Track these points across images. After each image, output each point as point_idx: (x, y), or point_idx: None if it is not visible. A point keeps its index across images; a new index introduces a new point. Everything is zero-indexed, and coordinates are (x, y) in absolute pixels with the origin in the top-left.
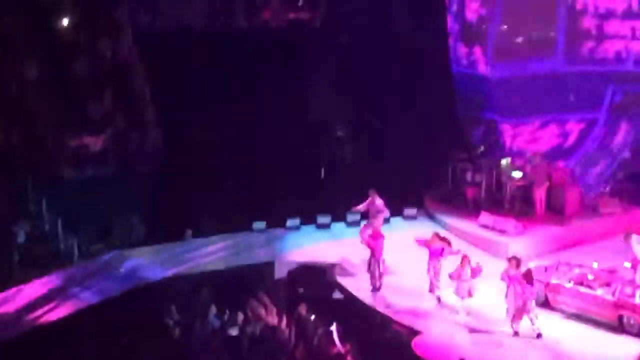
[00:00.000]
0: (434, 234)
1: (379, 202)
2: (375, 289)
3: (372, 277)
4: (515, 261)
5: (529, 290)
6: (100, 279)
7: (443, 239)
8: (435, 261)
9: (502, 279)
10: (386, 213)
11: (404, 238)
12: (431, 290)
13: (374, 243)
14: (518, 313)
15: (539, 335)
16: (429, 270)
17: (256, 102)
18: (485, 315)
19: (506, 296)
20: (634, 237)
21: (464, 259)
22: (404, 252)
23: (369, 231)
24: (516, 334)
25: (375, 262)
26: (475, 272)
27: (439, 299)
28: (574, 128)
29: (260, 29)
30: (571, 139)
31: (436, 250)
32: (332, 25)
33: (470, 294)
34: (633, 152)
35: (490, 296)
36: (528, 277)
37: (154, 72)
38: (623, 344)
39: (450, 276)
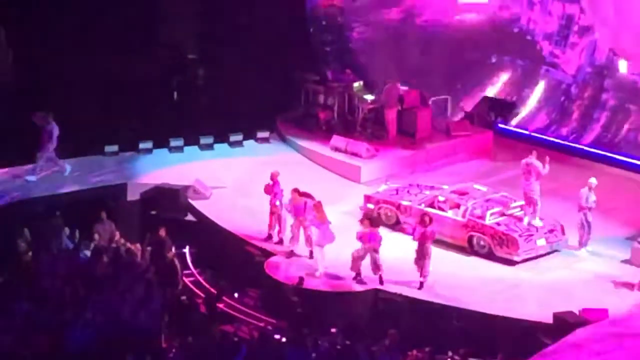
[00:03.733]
0: (292, 191)
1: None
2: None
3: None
4: (368, 221)
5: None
6: None
7: (304, 194)
8: (300, 218)
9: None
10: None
11: (256, 162)
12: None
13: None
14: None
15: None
16: (295, 227)
17: (108, 23)
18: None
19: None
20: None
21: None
22: (255, 175)
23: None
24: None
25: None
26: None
27: (310, 253)
28: None
29: None
30: None
31: (299, 206)
32: None
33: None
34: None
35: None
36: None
37: None
38: (473, 264)
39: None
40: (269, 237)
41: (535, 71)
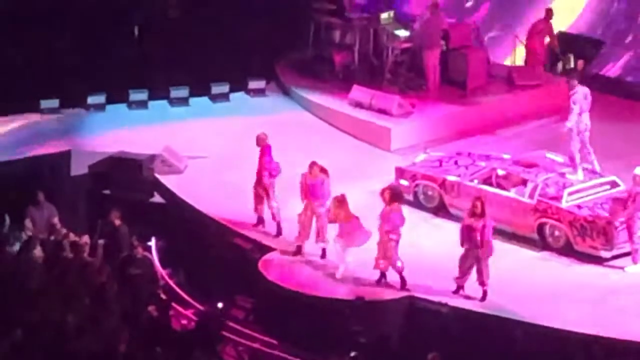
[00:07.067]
0: (311, 165)
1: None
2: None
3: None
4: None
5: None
6: None
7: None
8: (319, 204)
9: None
10: None
11: (248, 122)
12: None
13: None
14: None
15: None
16: (304, 215)
17: None
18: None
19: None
20: None
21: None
22: (247, 140)
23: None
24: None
25: None
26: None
27: (323, 252)
28: None
29: None
30: None
31: (315, 185)
32: None
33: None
34: None
35: None
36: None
37: None
38: (545, 264)
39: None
40: (259, 222)
41: None
